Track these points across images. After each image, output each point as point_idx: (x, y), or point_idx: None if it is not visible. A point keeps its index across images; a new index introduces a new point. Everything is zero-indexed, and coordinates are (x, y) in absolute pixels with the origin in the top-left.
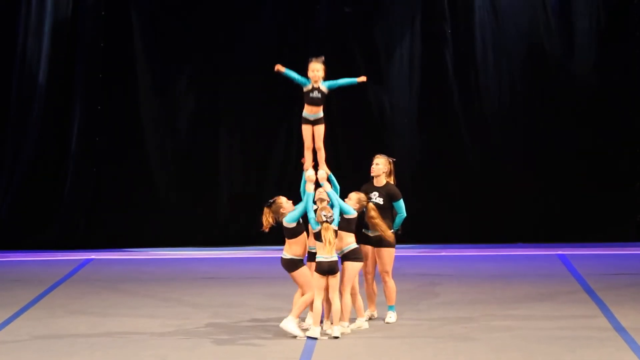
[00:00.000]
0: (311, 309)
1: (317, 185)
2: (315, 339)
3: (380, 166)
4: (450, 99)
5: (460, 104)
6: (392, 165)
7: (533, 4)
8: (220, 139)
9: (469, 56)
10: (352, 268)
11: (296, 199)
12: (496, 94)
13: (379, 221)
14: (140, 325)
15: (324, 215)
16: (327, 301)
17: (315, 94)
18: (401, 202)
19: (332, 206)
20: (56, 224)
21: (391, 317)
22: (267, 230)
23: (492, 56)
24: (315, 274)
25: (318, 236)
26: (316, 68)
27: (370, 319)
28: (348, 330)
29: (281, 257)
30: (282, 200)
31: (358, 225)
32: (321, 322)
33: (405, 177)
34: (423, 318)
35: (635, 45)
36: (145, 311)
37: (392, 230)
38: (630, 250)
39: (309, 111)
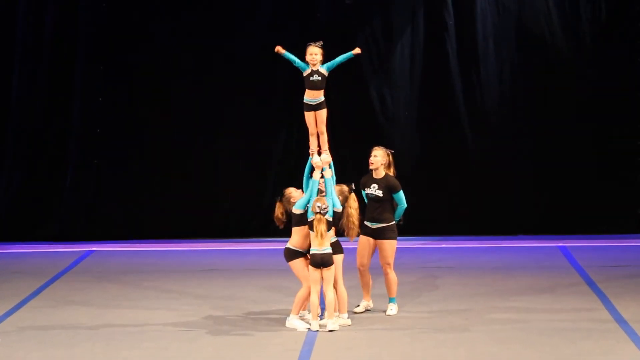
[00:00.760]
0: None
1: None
2: (316, 332)
3: (379, 158)
4: (451, 91)
5: (462, 96)
6: (390, 157)
7: None
8: (221, 130)
9: (470, 48)
10: (336, 261)
11: (298, 188)
12: (497, 86)
13: (355, 213)
14: (141, 317)
15: (318, 207)
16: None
17: (315, 77)
18: (401, 194)
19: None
20: (57, 216)
21: (392, 309)
22: (281, 226)
23: (494, 48)
24: (310, 267)
25: (311, 226)
26: (314, 52)
27: (366, 310)
28: (349, 322)
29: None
30: (291, 190)
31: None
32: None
33: (406, 170)
34: (424, 310)
35: (637, 36)
36: (146, 303)
37: (394, 222)
38: (631, 242)
39: (309, 96)
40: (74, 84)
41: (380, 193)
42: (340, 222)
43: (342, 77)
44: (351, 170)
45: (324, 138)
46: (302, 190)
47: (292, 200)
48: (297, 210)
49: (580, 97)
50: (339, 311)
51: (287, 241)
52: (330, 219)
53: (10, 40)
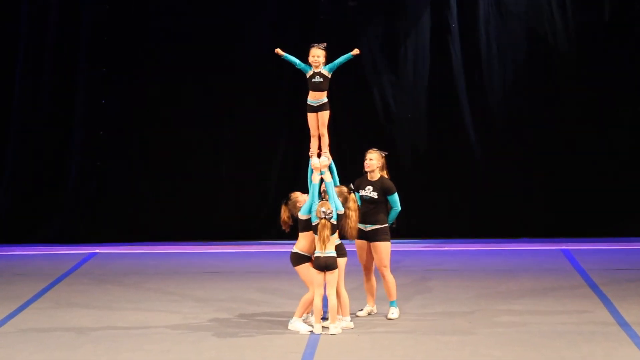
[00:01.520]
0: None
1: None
2: (318, 335)
3: (374, 161)
4: (455, 94)
5: (465, 98)
6: (384, 159)
7: None
8: (223, 133)
9: (474, 51)
10: (338, 264)
11: (302, 190)
12: (501, 89)
13: (354, 215)
14: (144, 319)
15: (323, 212)
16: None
17: (317, 79)
18: (395, 196)
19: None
20: (60, 218)
21: (393, 312)
22: (287, 230)
23: (497, 50)
24: (313, 270)
25: (316, 230)
26: (316, 54)
27: (369, 314)
28: (351, 325)
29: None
30: (297, 194)
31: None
32: (324, 318)
33: (410, 172)
34: (426, 313)
35: None
36: (148, 305)
37: (388, 224)
38: (633, 245)
39: (312, 97)
40: (76, 87)
41: (375, 195)
42: (340, 223)
43: (346, 79)
44: (354, 172)
45: (325, 140)
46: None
47: (298, 205)
48: (302, 215)
49: (584, 100)
50: (342, 314)
51: (289, 243)
52: (335, 223)
53: (14, 42)
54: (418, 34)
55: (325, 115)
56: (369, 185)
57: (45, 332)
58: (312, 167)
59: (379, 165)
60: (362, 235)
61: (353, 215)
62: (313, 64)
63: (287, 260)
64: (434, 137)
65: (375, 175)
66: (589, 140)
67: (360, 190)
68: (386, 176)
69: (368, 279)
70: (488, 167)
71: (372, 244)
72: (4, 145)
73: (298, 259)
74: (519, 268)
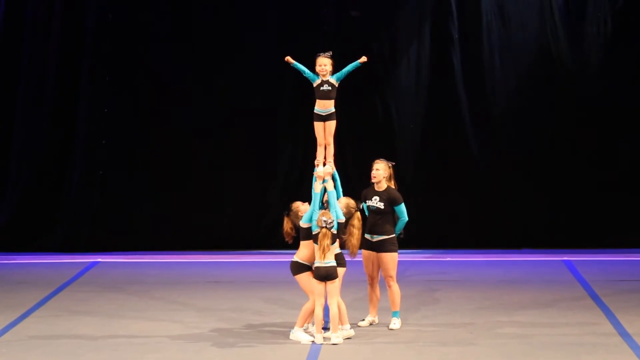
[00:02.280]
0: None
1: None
2: (320, 345)
3: (381, 171)
4: (457, 104)
5: (467, 108)
6: (391, 169)
7: (540, 8)
8: (226, 143)
9: (476, 60)
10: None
11: (303, 200)
12: (503, 99)
13: (357, 232)
14: (146, 328)
15: (324, 221)
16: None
17: (325, 87)
18: (402, 207)
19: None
20: (62, 227)
21: (395, 323)
22: (290, 241)
23: (499, 60)
24: (313, 280)
25: (316, 239)
26: (323, 63)
27: (370, 324)
28: (352, 333)
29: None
30: (298, 204)
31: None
32: (325, 328)
33: (411, 182)
34: (428, 323)
35: None
36: (150, 314)
37: (395, 235)
38: (635, 257)
39: (320, 106)
40: (79, 95)
41: (381, 205)
42: (343, 238)
43: (348, 88)
44: (356, 181)
45: (331, 150)
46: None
47: (299, 214)
48: (304, 224)
49: (586, 109)
50: (341, 322)
51: (292, 253)
52: (335, 232)
53: (17, 51)
54: (420, 43)
55: (332, 124)
56: (375, 195)
57: (47, 341)
58: (316, 176)
59: (386, 175)
60: (369, 245)
61: (356, 232)
62: (320, 72)
63: (290, 270)
64: (436, 146)
65: (382, 186)
66: (592, 151)
67: (367, 201)
68: (393, 187)
69: (373, 289)
70: (490, 178)
71: (379, 254)
72: (7, 154)
73: (298, 268)
74: (520, 279)
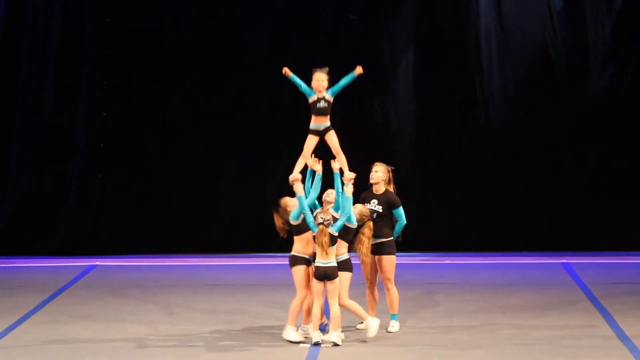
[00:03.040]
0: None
1: (324, 186)
2: (317, 344)
3: (380, 174)
4: (454, 107)
5: (465, 112)
6: (391, 173)
7: (539, 11)
8: (225, 146)
9: (474, 64)
10: (343, 278)
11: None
12: (501, 102)
13: (367, 241)
14: (144, 331)
15: (322, 217)
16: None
17: (322, 104)
18: (400, 210)
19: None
20: (61, 230)
21: (394, 326)
22: (284, 235)
23: (498, 64)
24: (313, 279)
25: (315, 237)
26: (320, 78)
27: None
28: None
29: None
30: (286, 200)
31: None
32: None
33: (409, 185)
34: (427, 326)
35: None
36: (149, 318)
37: (393, 238)
38: (634, 259)
39: (316, 122)
40: (78, 99)
41: (380, 208)
42: (354, 246)
43: (346, 92)
44: (354, 185)
45: (342, 158)
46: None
47: (288, 209)
48: (292, 221)
49: (585, 114)
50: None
51: (289, 256)
52: (335, 233)
53: (17, 55)
54: (418, 47)
55: (333, 135)
56: (374, 198)
57: (45, 345)
58: (290, 180)
59: (385, 178)
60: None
61: (366, 241)
62: (316, 88)
63: (289, 273)
64: (434, 150)
65: (380, 189)
66: (591, 155)
67: (365, 204)
68: (392, 191)
69: (371, 292)
70: (489, 181)
71: (377, 257)
72: (6, 158)
73: (294, 260)
74: (519, 282)
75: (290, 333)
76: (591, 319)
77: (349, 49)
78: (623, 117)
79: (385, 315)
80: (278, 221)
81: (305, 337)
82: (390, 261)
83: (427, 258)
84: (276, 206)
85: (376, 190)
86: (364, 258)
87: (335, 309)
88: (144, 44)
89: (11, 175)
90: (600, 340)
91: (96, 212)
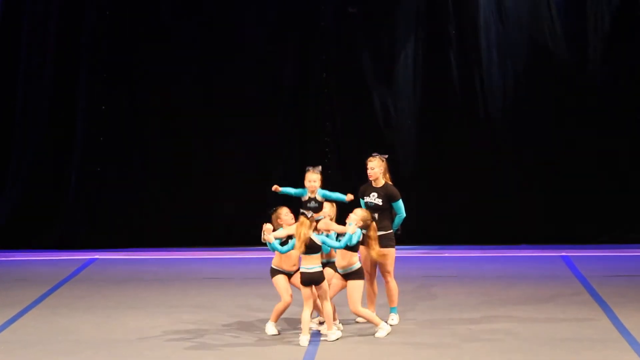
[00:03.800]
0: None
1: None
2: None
3: (376, 169)
4: (454, 101)
5: (465, 105)
6: (385, 162)
7: (538, 5)
8: (224, 139)
9: (473, 58)
10: (358, 287)
11: (298, 203)
12: (501, 95)
13: (373, 243)
14: (143, 325)
15: (305, 212)
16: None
17: (313, 204)
18: (400, 203)
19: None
20: (60, 224)
21: (393, 319)
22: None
23: (497, 57)
24: (301, 285)
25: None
26: (313, 179)
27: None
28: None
29: None
30: (281, 212)
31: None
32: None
33: (409, 178)
34: (426, 319)
35: None
36: (148, 311)
37: (392, 231)
38: (633, 252)
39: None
40: (77, 93)
41: (379, 202)
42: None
43: (346, 86)
44: (355, 179)
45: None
46: (294, 217)
47: (279, 221)
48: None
49: (584, 107)
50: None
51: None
52: (318, 242)
53: (16, 49)
54: (417, 40)
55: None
56: (373, 192)
57: (45, 338)
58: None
59: (382, 171)
60: (365, 241)
61: (373, 243)
62: (309, 188)
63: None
64: (433, 143)
65: (379, 182)
66: (589, 147)
67: (364, 197)
68: (389, 181)
69: (371, 285)
70: (488, 173)
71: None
72: (6, 152)
73: (272, 272)
74: (518, 275)
75: (269, 327)
76: (590, 312)
77: (347, 42)
78: (622, 110)
79: (384, 308)
80: (273, 222)
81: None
82: (390, 254)
83: (425, 251)
84: (273, 210)
85: (375, 184)
86: (379, 259)
87: (327, 308)
88: (143, 37)
89: (10, 169)
90: (600, 333)
91: (95, 205)
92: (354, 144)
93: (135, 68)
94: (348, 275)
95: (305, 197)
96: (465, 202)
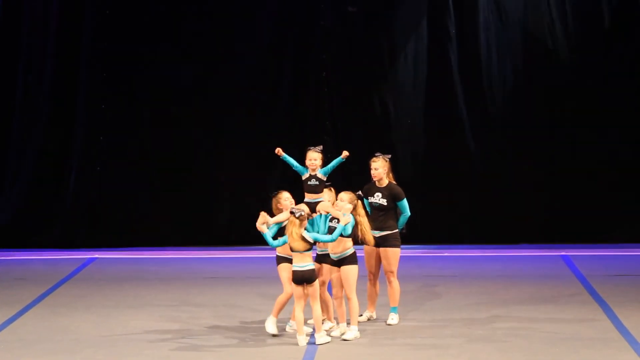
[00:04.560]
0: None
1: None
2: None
3: (380, 170)
4: (454, 100)
5: (465, 104)
6: (389, 162)
7: (537, 5)
8: (223, 139)
9: (473, 57)
10: (353, 271)
11: (299, 197)
12: (500, 95)
13: (363, 220)
14: (143, 324)
15: (295, 209)
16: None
17: (313, 182)
18: (405, 202)
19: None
20: (60, 223)
21: (393, 318)
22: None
23: (497, 57)
24: (292, 283)
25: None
26: (313, 157)
27: (368, 320)
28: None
29: None
30: (282, 196)
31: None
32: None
33: (409, 178)
34: (426, 319)
35: None
36: (148, 311)
37: (398, 230)
38: (633, 252)
39: (309, 198)
40: (77, 92)
41: (384, 202)
42: (353, 232)
43: (346, 85)
44: (355, 177)
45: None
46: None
47: (278, 205)
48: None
49: (583, 106)
50: (351, 322)
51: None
52: (311, 240)
53: (15, 48)
54: (417, 39)
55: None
56: (377, 192)
57: (45, 337)
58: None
59: (385, 171)
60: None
61: (363, 221)
62: (310, 167)
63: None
64: (433, 142)
65: (383, 182)
66: (589, 146)
67: (369, 197)
68: (392, 180)
69: (373, 285)
70: (487, 173)
71: (381, 249)
72: (5, 151)
73: (278, 259)
74: (518, 274)
75: (269, 324)
76: (590, 311)
77: (347, 41)
78: (622, 109)
79: (385, 308)
80: (274, 206)
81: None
82: (394, 254)
83: (426, 250)
84: (275, 193)
85: (379, 184)
86: (368, 237)
87: (317, 311)
88: (143, 37)
89: (11, 168)
90: (599, 332)
91: (95, 205)
92: (354, 143)
93: (135, 67)
94: (342, 261)
95: (306, 175)
96: (466, 201)
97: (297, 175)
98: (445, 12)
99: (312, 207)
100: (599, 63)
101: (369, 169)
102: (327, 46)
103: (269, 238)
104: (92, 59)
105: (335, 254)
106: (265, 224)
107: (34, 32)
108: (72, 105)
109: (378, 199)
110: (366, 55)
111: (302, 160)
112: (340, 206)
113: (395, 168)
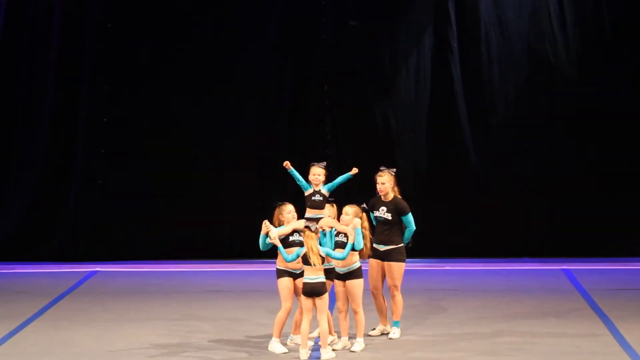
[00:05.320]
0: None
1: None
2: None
3: (386, 184)
4: (456, 113)
5: (467, 118)
6: (394, 176)
7: (539, 18)
8: (225, 152)
9: (475, 71)
10: (359, 285)
11: (301, 211)
12: (502, 108)
13: (367, 234)
14: (144, 337)
15: (309, 224)
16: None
17: (317, 197)
18: (410, 216)
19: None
20: (61, 236)
21: (395, 332)
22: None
23: (498, 70)
24: (302, 295)
25: (306, 261)
26: (317, 172)
27: (382, 333)
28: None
29: None
30: (285, 208)
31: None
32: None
33: (411, 191)
34: (428, 333)
35: None
36: (149, 324)
37: (402, 244)
38: (635, 265)
39: (311, 213)
40: (79, 105)
41: (389, 216)
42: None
43: (347, 99)
44: (356, 192)
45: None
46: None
47: (281, 217)
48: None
49: (585, 119)
50: (357, 334)
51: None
52: (323, 255)
53: (17, 60)
54: (419, 53)
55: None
56: (382, 206)
57: (46, 351)
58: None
59: (391, 185)
60: (376, 255)
61: (366, 234)
62: (313, 182)
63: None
64: (435, 156)
65: (389, 196)
66: (590, 160)
67: (374, 211)
68: (398, 194)
69: (377, 299)
70: (489, 187)
71: (386, 263)
72: (7, 163)
73: (278, 273)
74: (520, 288)
75: (275, 345)
76: (591, 326)
77: (349, 55)
78: (623, 121)
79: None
80: (275, 216)
81: (295, 344)
82: (399, 268)
83: (428, 264)
84: (279, 204)
85: (385, 198)
86: (367, 251)
87: (324, 326)
88: (144, 49)
89: (12, 181)
90: (601, 346)
91: (97, 217)
92: (355, 157)
93: (136, 80)
94: (348, 275)
95: (310, 191)
96: (466, 214)
97: (299, 188)
98: (447, 26)
99: (316, 220)
100: (601, 75)
101: (373, 183)
102: (329, 60)
103: (284, 252)
104: (93, 71)
105: (341, 267)
106: (275, 237)
107: (36, 44)
108: (73, 118)
109: (383, 213)
110: (368, 70)
111: (305, 176)
112: (346, 221)
113: (396, 181)
